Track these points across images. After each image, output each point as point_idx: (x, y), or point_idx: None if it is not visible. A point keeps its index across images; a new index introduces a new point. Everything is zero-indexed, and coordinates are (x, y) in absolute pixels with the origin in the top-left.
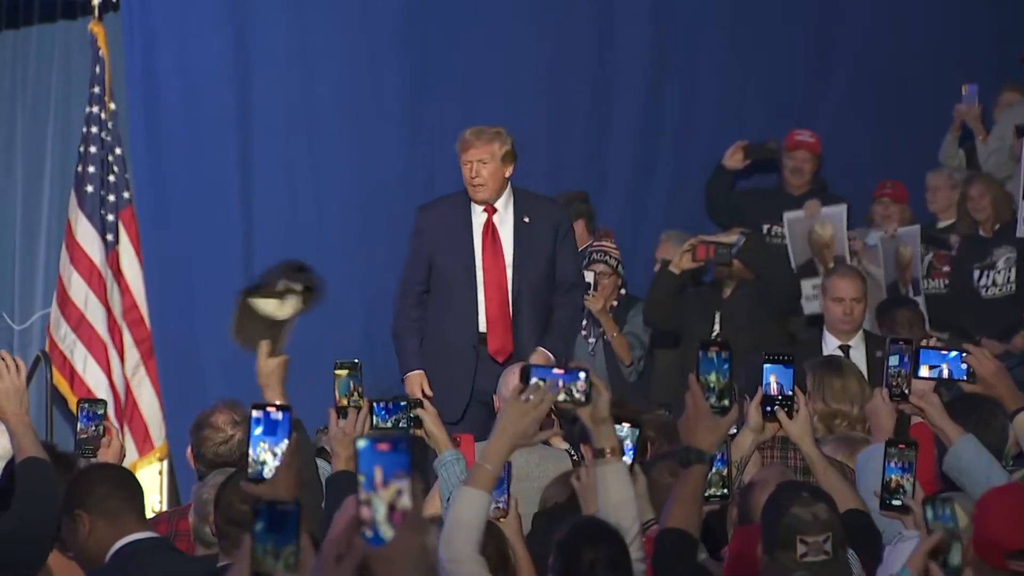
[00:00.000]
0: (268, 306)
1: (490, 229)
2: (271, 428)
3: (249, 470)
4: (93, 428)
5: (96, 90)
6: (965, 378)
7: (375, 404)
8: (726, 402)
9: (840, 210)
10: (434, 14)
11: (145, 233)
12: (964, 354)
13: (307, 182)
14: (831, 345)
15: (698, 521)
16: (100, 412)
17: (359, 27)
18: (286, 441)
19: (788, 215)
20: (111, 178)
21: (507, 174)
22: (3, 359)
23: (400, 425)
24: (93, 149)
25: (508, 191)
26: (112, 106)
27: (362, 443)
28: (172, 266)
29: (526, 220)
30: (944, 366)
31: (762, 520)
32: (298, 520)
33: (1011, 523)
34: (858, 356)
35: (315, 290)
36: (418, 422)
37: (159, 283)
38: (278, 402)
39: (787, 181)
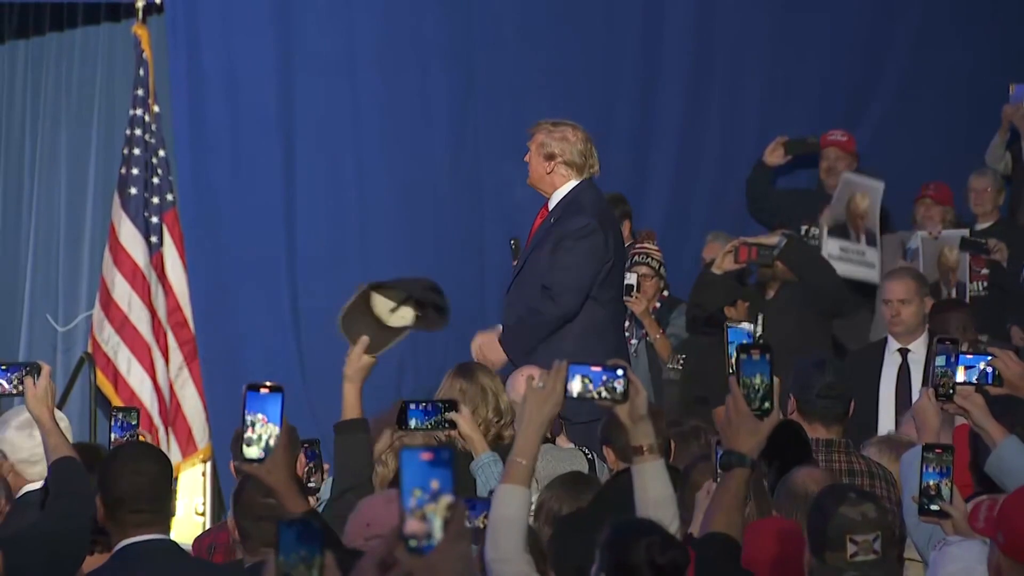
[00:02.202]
0: (383, 307)
1: (537, 223)
2: (264, 408)
3: (244, 451)
4: (127, 437)
5: (140, 93)
6: (991, 382)
7: (410, 406)
8: (768, 405)
9: (878, 186)
10: (478, 16)
11: (189, 235)
12: (991, 357)
13: (350, 184)
14: (892, 347)
15: (741, 526)
16: (134, 422)
17: (403, 29)
18: (278, 423)
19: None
20: (155, 180)
21: (547, 170)
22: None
23: (441, 427)
24: (137, 151)
25: (563, 191)
26: (156, 108)
27: (406, 454)
28: (216, 268)
29: (552, 220)
30: (979, 366)
31: (809, 523)
32: (323, 531)
33: None
34: (919, 359)
35: (436, 313)
36: (452, 424)
37: (203, 285)
38: (352, 398)
39: (823, 181)
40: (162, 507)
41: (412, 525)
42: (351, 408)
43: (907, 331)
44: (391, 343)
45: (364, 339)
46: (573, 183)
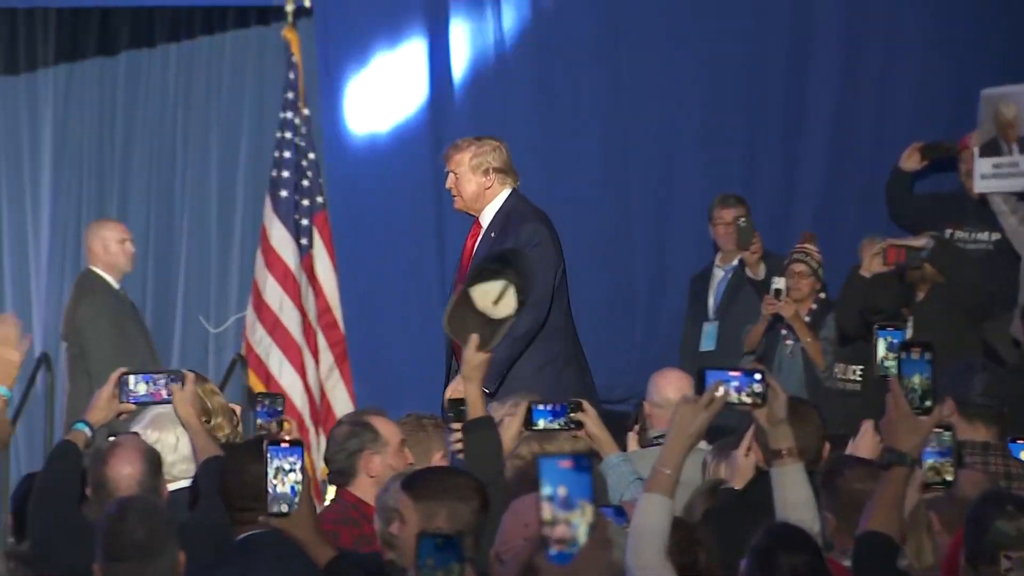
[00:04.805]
0: (485, 300)
1: (470, 243)
2: (285, 460)
3: (270, 507)
4: (274, 423)
5: (290, 95)
6: None
7: (535, 406)
8: (929, 403)
9: (1021, 89)
10: (627, 21)
11: (339, 237)
12: None
13: None
14: None
15: (900, 525)
16: (279, 408)
17: (552, 28)
18: (300, 474)
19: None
20: (305, 183)
21: (485, 185)
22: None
23: (569, 427)
24: (287, 154)
25: (496, 204)
26: (305, 111)
27: (544, 461)
28: (365, 269)
29: (492, 235)
30: None
31: (966, 530)
32: (462, 545)
33: None
34: None
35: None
36: (579, 424)
37: (353, 286)
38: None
39: (964, 183)
40: None
41: (554, 532)
42: (475, 407)
43: None
44: (501, 333)
45: (475, 337)
46: (505, 194)
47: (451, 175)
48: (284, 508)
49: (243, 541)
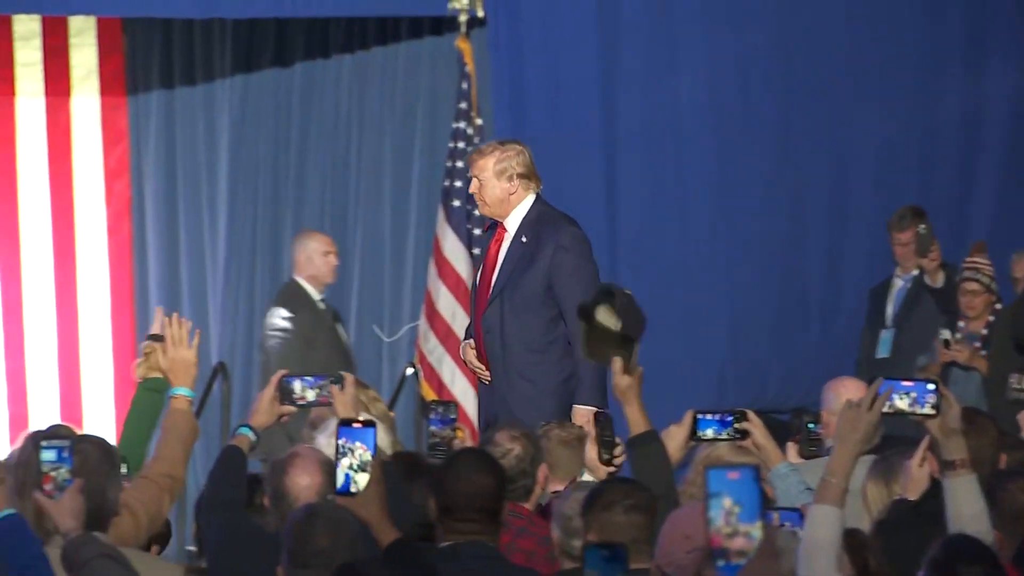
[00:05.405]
0: (610, 320)
1: (494, 249)
2: (356, 442)
3: (337, 484)
4: (448, 430)
5: (463, 105)
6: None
7: (701, 416)
8: None
9: None
10: (800, 30)
11: None
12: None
13: (671, 195)
14: None
15: None
16: (452, 415)
17: (724, 37)
18: (371, 455)
19: None
20: None
21: (509, 191)
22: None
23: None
24: (460, 164)
25: (522, 210)
26: (478, 121)
27: (712, 473)
28: None
29: (523, 240)
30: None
31: None
32: (627, 556)
33: None
34: None
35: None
36: (745, 434)
37: None
38: (634, 414)
39: None
40: (491, 518)
41: (733, 543)
42: (637, 423)
43: None
44: (637, 346)
45: (617, 360)
46: (530, 200)
47: (475, 180)
48: (350, 486)
49: (449, 549)
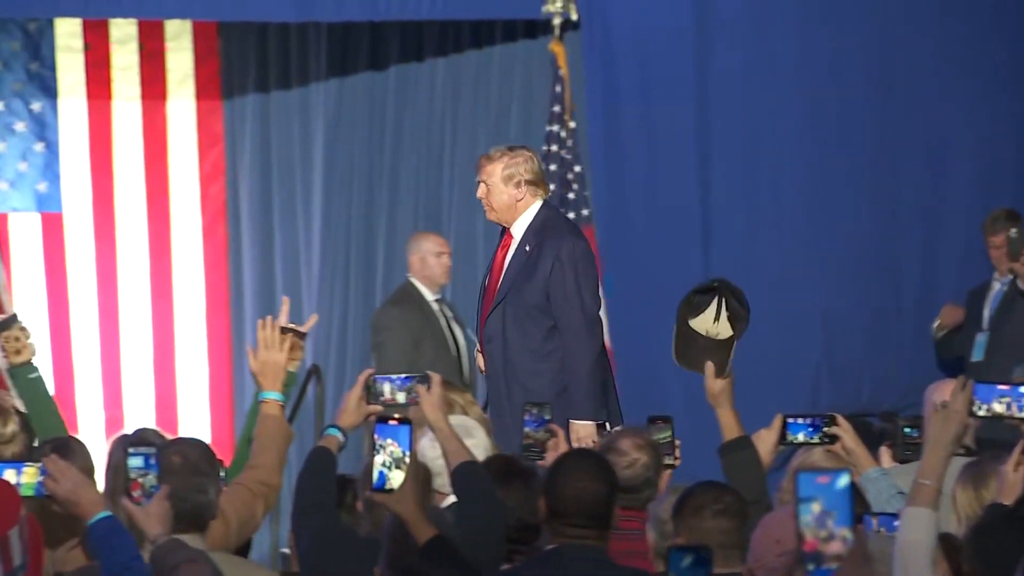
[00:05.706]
0: (706, 326)
1: (500, 255)
2: (393, 439)
3: (373, 480)
4: (542, 432)
5: (556, 109)
6: None
7: (791, 420)
8: None
9: None
10: (897, 29)
11: (604, 250)
12: None
13: (767, 198)
14: None
15: None
16: (547, 416)
17: (822, 46)
18: (403, 452)
19: None
20: (571, 196)
21: (516, 197)
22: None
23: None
24: (553, 167)
25: (528, 216)
26: (572, 124)
27: (802, 476)
28: (631, 283)
29: (527, 248)
30: None
31: None
32: (711, 560)
33: None
34: None
35: (742, 310)
36: (834, 439)
37: (619, 299)
38: (726, 419)
39: None
40: (602, 523)
41: (829, 547)
42: (730, 428)
43: None
44: (732, 353)
45: (709, 365)
46: (536, 206)
47: (482, 185)
48: (385, 483)
49: (554, 551)
